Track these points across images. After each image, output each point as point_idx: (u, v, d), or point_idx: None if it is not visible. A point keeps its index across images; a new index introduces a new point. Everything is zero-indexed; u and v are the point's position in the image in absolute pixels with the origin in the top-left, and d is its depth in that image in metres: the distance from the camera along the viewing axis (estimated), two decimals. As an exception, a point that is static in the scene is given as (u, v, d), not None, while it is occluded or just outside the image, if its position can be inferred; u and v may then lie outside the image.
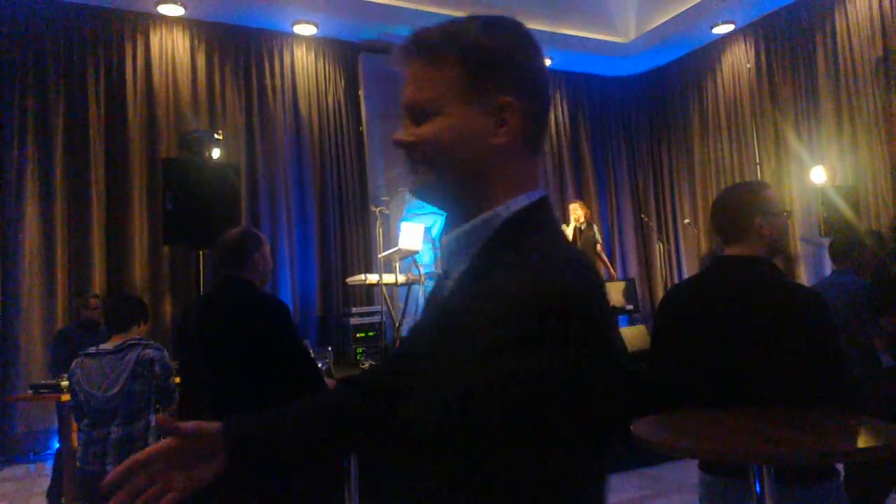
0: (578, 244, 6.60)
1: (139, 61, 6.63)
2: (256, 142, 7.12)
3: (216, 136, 5.91)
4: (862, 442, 1.27)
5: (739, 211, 1.79)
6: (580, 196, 9.00)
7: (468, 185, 0.79)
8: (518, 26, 0.83)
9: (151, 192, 6.45)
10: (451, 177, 0.79)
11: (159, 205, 6.05)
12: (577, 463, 0.67)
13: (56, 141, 6.17)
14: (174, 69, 6.78)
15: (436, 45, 0.79)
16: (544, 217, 0.80)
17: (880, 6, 6.54)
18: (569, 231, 6.74)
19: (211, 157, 5.74)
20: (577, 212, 6.73)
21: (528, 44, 0.81)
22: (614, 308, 7.59)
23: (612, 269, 7.16)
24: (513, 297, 0.67)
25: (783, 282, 1.77)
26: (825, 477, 1.57)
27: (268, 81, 7.26)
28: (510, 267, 0.72)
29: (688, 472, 4.36)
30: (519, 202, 0.78)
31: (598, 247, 6.87)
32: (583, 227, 6.76)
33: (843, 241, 3.57)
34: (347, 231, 7.54)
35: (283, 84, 7.36)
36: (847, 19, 6.86)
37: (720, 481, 1.65)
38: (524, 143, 0.80)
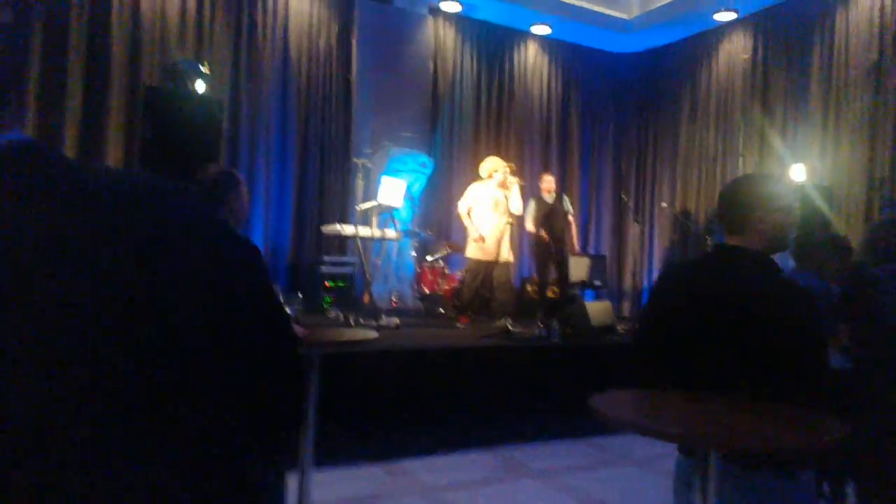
0: (552, 217, 6.55)
1: (127, -19, 6.38)
2: (242, 79, 6.96)
3: (202, 68, 5.76)
4: (806, 435, 1.33)
5: (741, 203, 1.80)
6: (564, 168, 9.03)
7: None
8: None
9: (130, 121, 6.29)
10: None
11: (138, 135, 5.93)
12: None
13: (32, 59, 5.94)
14: (163, -7, 6.54)
15: None
16: None
17: (881, 10, 6.55)
18: (531, 206, 6.55)
19: (195, 90, 5.61)
20: (551, 184, 6.65)
21: None
22: (583, 283, 7.67)
23: (575, 243, 6.92)
24: None
25: (774, 277, 1.78)
26: (800, 469, 1.64)
27: (259, 17, 7.06)
28: None
29: (633, 444, 4.54)
30: None
31: (570, 217, 6.74)
32: (551, 200, 6.63)
33: (808, 241, 3.63)
34: (327, 179, 7.48)
35: (274, 22, 7.16)
36: (848, 20, 6.88)
37: (696, 464, 1.71)
38: None
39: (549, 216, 6.54)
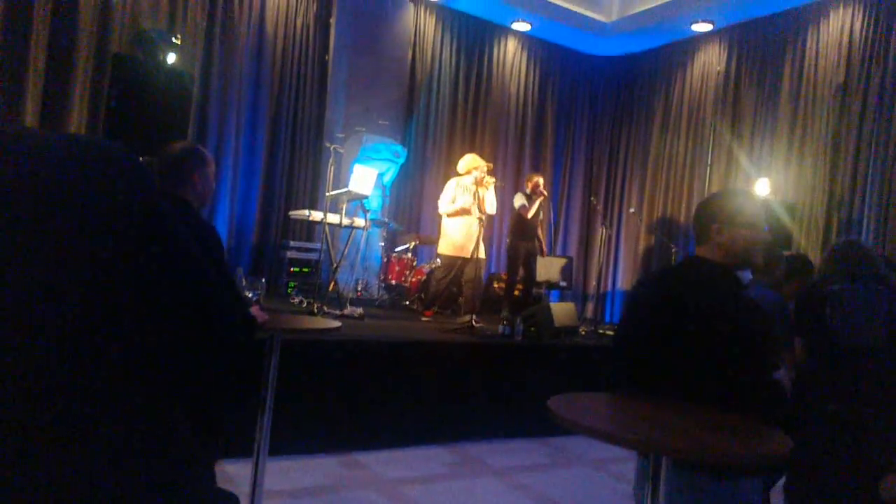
0: (536, 214, 6.63)
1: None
2: (214, 53, 6.78)
3: (174, 39, 5.59)
4: (745, 445, 1.36)
5: (703, 214, 1.86)
6: (537, 167, 9.06)
7: None
8: None
9: (96, 89, 6.07)
10: None
11: (103, 103, 5.73)
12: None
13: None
14: (136, -42, 6.31)
15: None
16: None
17: (850, 33, 6.73)
18: (520, 198, 6.64)
19: (165, 60, 5.45)
20: (539, 184, 6.74)
21: None
22: (548, 283, 7.72)
23: (543, 245, 6.97)
24: None
25: (729, 291, 1.79)
26: (741, 474, 1.67)
27: (237, -9, 6.88)
28: None
29: (590, 447, 4.59)
30: None
31: (540, 220, 6.83)
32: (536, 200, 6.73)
33: (768, 254, 3.71)
34: (297, 162, 7.35)
35: (252, -3, 6.99)
36: (818, 41, 7.04)
37: (713, 483, 1.71)
38: None
39: (534, 216, 6.66)
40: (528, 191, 6.59)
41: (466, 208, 5.93)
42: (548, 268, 7.37)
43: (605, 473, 4.16)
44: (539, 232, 6.79)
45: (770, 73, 7.51)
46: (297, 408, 3.79)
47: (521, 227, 6.59)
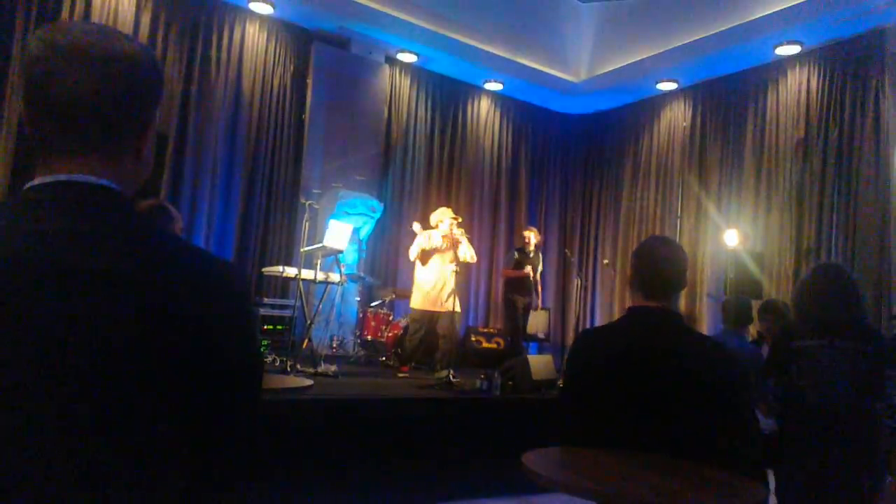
0: (526, 266, 6.91)
1: (78, 8, 6.25)
2: (190, 112, 6.85)
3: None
4: (718, 498, 1.33)
5: (681, 269, 1.87)
6: (512, 221, 9.17)
7: None
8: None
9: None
10: None
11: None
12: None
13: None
14: (115, 22, 6.43)
15: None
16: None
17: (808, 91, 7.03)
18: (514, 255, 6.97)
19: (139, 119, 5.48)
20: (531, 238, 7.01)
21: (39, 56, 0.78)
22: (534, 336, 7.75)
23: (539, 298, 7.27)
24: None
25: (702, 339, 1.83)
26: None
27: (213, 53, 7.01)
28: None
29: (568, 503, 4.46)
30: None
31: (538, 274, 7.12)
32: (531, 253, 6.99)
33: (736, 303, 3.73)
34: (272, 218, 7.35)
35: (228, 58, 7.12)
36: (778, 98, 7.34)
37: None
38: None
39: (528, 267, 6.93)
40: (524, 245, 6.96)
41: (435, 248, 5.91)
42: (535, 320, 7.58)
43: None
44: (538, 286, 7.10)
45: (734, 128, 7.78)
46: (264, 471, 3.65)
47: (514, 281, 6.92)
